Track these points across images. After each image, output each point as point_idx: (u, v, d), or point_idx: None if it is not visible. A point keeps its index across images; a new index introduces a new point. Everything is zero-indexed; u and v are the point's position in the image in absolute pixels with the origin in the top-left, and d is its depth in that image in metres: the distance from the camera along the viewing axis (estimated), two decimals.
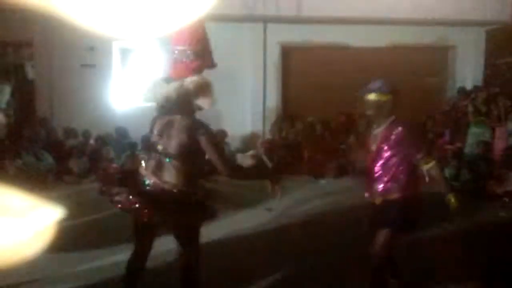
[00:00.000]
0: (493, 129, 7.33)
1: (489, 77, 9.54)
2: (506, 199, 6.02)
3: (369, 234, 2.99)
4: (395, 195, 2.86)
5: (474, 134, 7.33)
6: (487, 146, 7.08)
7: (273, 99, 9.02)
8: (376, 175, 2.89)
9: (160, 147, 2.42)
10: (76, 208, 5.60)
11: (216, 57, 2.68)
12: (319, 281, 3.49)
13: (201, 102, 2.42)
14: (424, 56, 9.05)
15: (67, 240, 4.35)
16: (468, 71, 9.26)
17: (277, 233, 4.66)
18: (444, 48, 9.32)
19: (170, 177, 2.38)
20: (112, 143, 7.93)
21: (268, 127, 8.81)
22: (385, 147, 2.84)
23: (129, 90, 8.72)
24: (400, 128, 2.81)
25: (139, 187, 2.41)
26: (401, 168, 2.84)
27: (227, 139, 7.49)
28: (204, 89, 2.42)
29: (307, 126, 8.47)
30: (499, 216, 5.37)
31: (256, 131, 8.84)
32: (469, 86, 8.83)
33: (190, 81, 2.41)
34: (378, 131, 2.91)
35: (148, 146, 2.57)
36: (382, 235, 2.86)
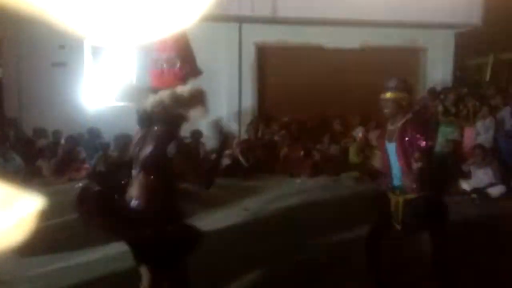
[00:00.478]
0: (462, 128, 7.56)
1: (458, 78, 9.85)
2: (475, 196, 6.22)
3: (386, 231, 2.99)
4: (427, 191, 2.84)
5: (444, 133, 7.53)
6: (456, 144, 7.30)
7: (249, 99, 9.03)
8: (402, 172, 2.84)
9: (135, 159, 2.29)
10: (47, 210, 5.45)
11: None
12: (296, 279, 3.51)
13: (196, 112, 2.26)
14: (396, 57, 9.24)
15: (38, 242, 4.23)
16: (438, 72, 9.51)
17: (254, 231, 4.67)
18: (415, 50, 9.55)
19: (135, 191, 2.22)
20: (84, 143, 7.76)
21: (244, 127, 8.81)
22: (408, 143, 2.82)
23: (101, 89, 8.55)
24: (419, 123, 2.90)
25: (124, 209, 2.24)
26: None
27: (203, 139, 7.45)
28: (199, 98, 2.26)
29: (283, 126, 8.52)
30: (468, 212, 5.52)
31: (232, 131, 8.83)
32: (439, 87, 9.07)
33: (183, 90, 2.22)
34: (395, 127, 2.90)
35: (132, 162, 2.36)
36: (436, 236, 2.85)
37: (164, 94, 2.20)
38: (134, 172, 2.27)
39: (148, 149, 2.22)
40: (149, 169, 2.21)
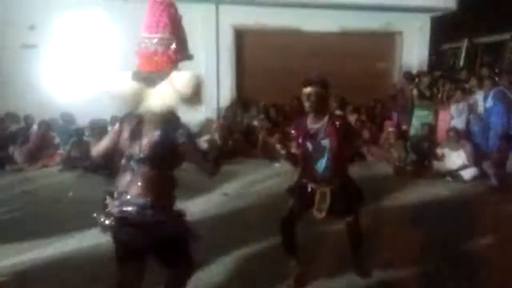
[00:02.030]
0: (437, 112, 7.70)
1: (433, 63, 9.98)
2: (449, 178, 6.38)
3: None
4: (345, 181, 3.04)
5: (419, 117, 7.66)
6: (431, 128, 7.45)
7: (227, 84, 8.93)
8: (328, 165, 2.95)
9: (131, 151, 2.06)
10: (21, 197, 5.30)
11: None
12: (276, 261, 3.54)
13: (194, 101, 2.08)
14: (373, 41, 9.30)
15: (13, 229, 4.13)
16: (413, 56, 9.61)
17: (233, 215, 4.69)
18: (392, 34, 9.61)
19: (143, 188, 2.04)
20: (57, 128, 7.55)
21: (222, 112, 8.74)
22: (334, 139, 2.91)
23: (73, 72, 8.29)
24: (344, 121, 3.08)
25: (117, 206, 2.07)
26: (344, 155, 3.03)
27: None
28: (201, 89, 2.09)
29: (261, 110, 8.49)
30: (441, 195, 5.68)
31: (210, 116, 8.74)
32: (414, 71, 9.18)
33: (183, 81, 2.04)
34: (320, 125, 2.95)
35: (120, 155, 2.16)
36: (354, 219, 3.05)
37: (168, 97, 2.01)
38: (131, 165, 2.08)
39: (153, 135, 2.03)
40: (159, 159, 2.05)
